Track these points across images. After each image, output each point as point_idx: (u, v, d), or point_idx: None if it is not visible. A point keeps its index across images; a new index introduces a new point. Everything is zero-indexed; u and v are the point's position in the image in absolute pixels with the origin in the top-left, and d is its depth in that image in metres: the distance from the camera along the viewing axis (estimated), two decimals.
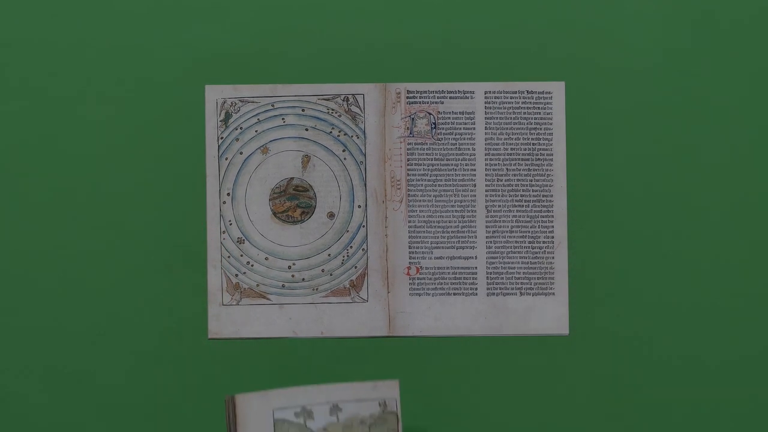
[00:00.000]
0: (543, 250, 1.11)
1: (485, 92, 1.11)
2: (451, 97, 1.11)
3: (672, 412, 1.11)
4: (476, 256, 1.11)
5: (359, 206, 1.12)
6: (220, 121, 1.11)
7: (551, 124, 1.11)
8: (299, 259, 1.12)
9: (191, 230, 1.10)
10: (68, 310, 1.10)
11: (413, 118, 1.11)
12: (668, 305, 1.11)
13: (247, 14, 1.11)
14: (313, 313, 1.11)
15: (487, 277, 1.11)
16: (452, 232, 1.11)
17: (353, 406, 1.05)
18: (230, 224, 1.11)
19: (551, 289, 1.11)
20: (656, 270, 1.11)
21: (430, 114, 1.11)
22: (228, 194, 1.11)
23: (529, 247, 1.11)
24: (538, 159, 1.11)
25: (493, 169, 1.12)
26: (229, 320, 1.11)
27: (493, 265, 1.11)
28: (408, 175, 1.11)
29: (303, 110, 1.11)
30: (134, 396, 1.09)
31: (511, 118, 1.11)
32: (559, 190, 1.11)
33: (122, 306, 1.10)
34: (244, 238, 1.11)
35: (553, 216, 1.11)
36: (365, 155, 1.12)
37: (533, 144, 1.11)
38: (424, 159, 1.11)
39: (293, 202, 1.12)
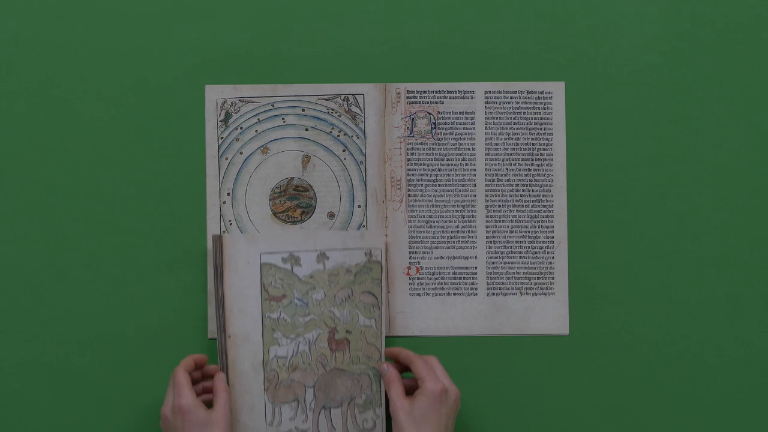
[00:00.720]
0: (543, 250, 1.11)
1: (485, 92, 1.11)
2: (451, 97, 1.11)
3: (672, 412, 1.11)
4: (476, 256, 1.11)
5: (359, 206, 1.12)
6: (220, 121, 1.11)
7: (551, 124, 1.11)
8: None
9: (191, 230, 1.10)
10: (68, 310, 1.10)
11: (413, 118, 1.11)
12: (668, 305, 1.11)
13: (247, 14, 1.11)
14: None
15: (487, 277, 1.11)
16: (452, 232, 1.11)
17: (340, 255, 1.07)
18: (230, 224, 1.11)
19: (551, 289, 1.11)
20: (656, 270, 1.11)
21: (430, 114, 1.11)
22: (228, 194, 1.11)
23: (529, 247, 1.11)
24: (538, 159, 1.11)
25: (493, 169, 1.11)
26: None
27: (493, 265, 1.11)
28: (408, 175, 1.11)
29: (303, 110, 1.11)
30: (135, 396, 1.09)
31: (511, 118, 1.11)
32: (559, 190, 1.11)
33: (122, 306, 1.10)
34: None
35: (553, 216, 1.11)
36: (365, 155, 1.12)
37: (533, 144, 1.11)
38: (424, 159, 1.11)
39: (293, 202, 1.12)
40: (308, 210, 1.11)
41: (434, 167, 1.11)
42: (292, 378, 1.06)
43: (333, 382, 1.07)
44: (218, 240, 1.07)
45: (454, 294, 1.11)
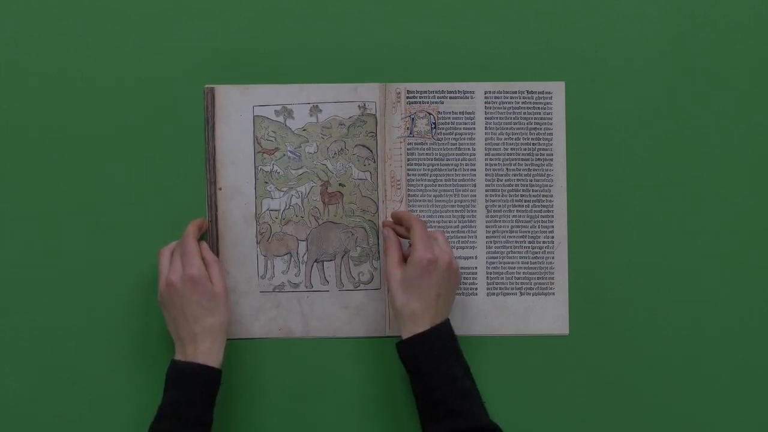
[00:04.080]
0: (543, 250, 1.11)
1: (485, 92, 1.11)
2: (451, 97, 1.11)
3: (672, 412, 1.11)
4: (476, 256, 1.11)
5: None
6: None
7: (551, 124, 1.11)
8: None
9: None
10: (68, 310, 1.10)
11: (413, 118, 1.11)
12: (668, 305, 1.11)
13: (246, 14, 1.10)
14: None
15: (487, 277, 1.11)
16: (452, 232, 1.11)
17: (333, 108, 1.08)
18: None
19: (551, 289, 1.11)
20: (656, 270, 1.11)
21: (430, 114, 1.11)
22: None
23: (529, 247, 1.11)
24: (538, 159, 1.11)
25: (493, 169, 1.11)
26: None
27: (493, 265, 1.11)
28: (408, 175, 1.11)
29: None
30: (135, 396, 1.09)
31: (511, 118, 1.11)
32: (559, 190, 1.11)
33: (123, 306, 1.10)
34: None
35: (553, 216, 1.11)
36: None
37: (533, 144, 1.11)
38: (424, 159, 1.11)
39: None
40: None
41: (434, 167, 1.11)
42: (284, 231, 1.08)
43: (326, 234, 1.08)
44: (210, 92, 1.07)
45: (455, 294, 1.11)
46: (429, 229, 1.06)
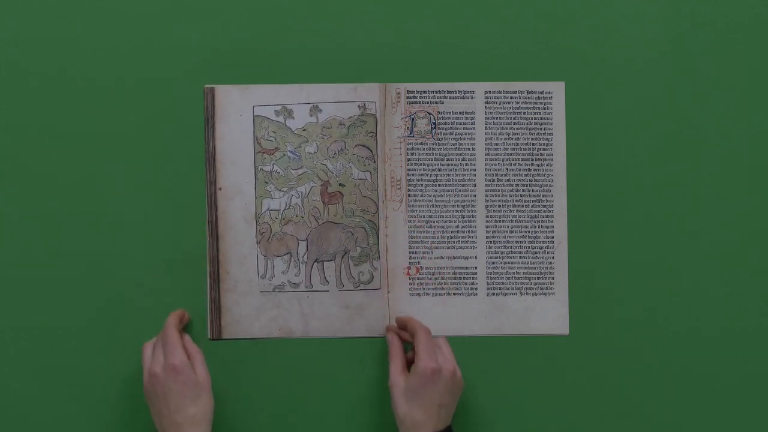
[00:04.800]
0: (543, 250, 1.11)
1: (485, 92, 1.11)
2: (451, 97, 1.11)
3: (672, 413, 1.11)
4: (476, 256, 1.11)
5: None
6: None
7: (551, 124, 1.11)
8: None
9: (190, 230, 1.10)
10: (68, 310, 1.10)
11: (413, 118, 1.11)
12: (668, 305, 1.11)
13: (246, 14, 1.11)
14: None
15: (487, 277, 1.11)
16: (452, 232, 1.11)
17: (333, 108, 1.08)
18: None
19: (551, 289, 1.11)
20: (656, 270, 1.11)
21: (430, 114, 1.11)
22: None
23: (529, 247, 1.11)
24: (538, 159, 1.11)
25: (493, 169, 1.12)
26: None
27: (493, 265, 1.11)
28: (408, 175, 1.11)
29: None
30: (136, 396, 1.09)
31: (511, 118, 1.11)
32: (559, 190, 1.11)
33: (123, 307, 1.10)
34: None
35: (553, 216, 1.11)
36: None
37: (533, 144, 1.11)
38: (424, 159, 1.11)
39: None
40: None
41: (434, 167, 1.11)
42: (284, 231, 1.08)
43: (326, 234, 1.08)
44: (210, 92, 1.07)
45: (454, 294, 1.11)
46: (434, 336, 1.06)
